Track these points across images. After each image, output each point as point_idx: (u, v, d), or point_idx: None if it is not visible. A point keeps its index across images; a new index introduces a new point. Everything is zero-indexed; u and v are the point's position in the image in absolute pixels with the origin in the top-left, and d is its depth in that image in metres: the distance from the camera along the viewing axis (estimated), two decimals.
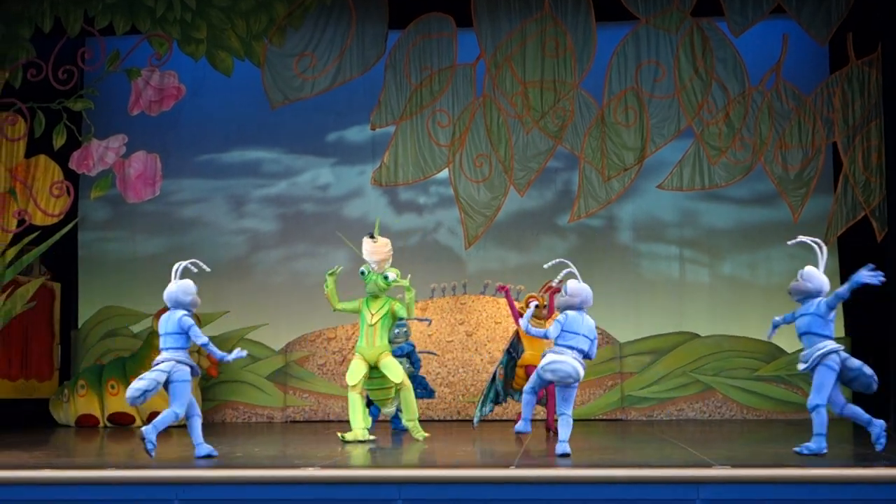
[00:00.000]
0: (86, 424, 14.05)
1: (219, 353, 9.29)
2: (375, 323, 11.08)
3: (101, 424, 14.01)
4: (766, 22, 14.15)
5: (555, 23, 14.40)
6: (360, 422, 10.83)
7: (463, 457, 9.39)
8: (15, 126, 13.88)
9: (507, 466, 7.78)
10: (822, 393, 8.72)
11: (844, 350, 8.94)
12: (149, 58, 14.16)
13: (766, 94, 14.25)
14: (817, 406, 8.69)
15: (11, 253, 13.65)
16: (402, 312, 11.16)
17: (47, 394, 14.60)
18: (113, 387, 14.10)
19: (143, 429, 8.98)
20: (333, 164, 15.56)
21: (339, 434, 10.91)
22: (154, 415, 13.87)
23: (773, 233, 14.53)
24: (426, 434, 11.06)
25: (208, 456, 9.09)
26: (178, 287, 9.34)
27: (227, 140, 15.51)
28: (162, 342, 9.27)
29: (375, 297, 11.18)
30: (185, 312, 9.28)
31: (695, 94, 14.34)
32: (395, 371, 10.98)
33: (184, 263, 9.52)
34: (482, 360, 14.79)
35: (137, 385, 8.96)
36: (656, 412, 14.64)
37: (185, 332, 9.19)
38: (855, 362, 8.88)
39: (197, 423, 9.22)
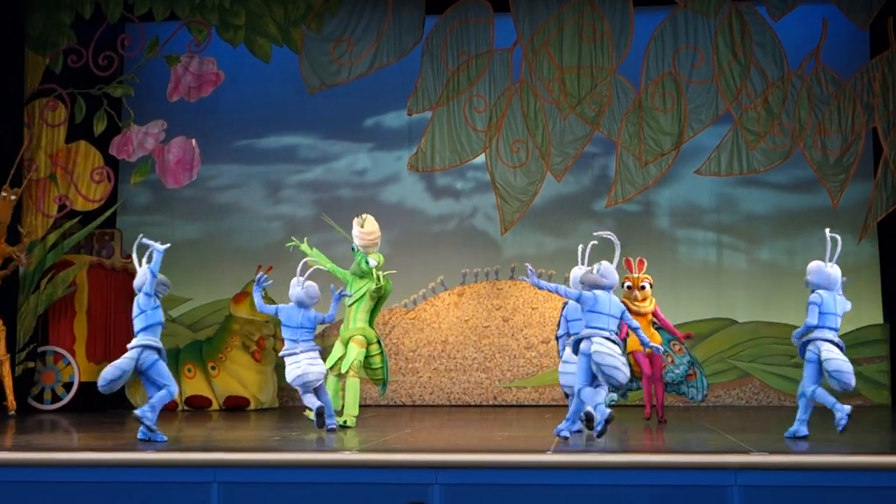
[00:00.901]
0: (169, 408, 13.81)
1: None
2: (352, 304, 11.07)
3: (179, 408, 13.96)
4: (806, 6, 14.06)
5: (592, 8, 14.35)
6: (351, 408, 10.81)
7: (499, 442, 9.41)
8: (55, 112, 13.99)
9: (543, 452, 7.79)
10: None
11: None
12: (188, 44, 14.25)
13: (805, 79, 14.16)
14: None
15: (52, 237, 13.76)
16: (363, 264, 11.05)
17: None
18: (189, 370, 14.17)
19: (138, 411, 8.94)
20: (370, 150, 15.57)
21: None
22: (231, 399, 14.00)
23: (812, 219, 14.44)
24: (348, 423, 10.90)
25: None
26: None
27: (264, 126, 15.56)
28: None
29: (358, 277, 11.12)
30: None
31: (733, 78, 14.27)
32: (349, 357, 10.89)
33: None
34: (518, 345, 14.80)
35: (107, 375, 8.88)
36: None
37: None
38: None
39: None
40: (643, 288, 11.27)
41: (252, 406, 14.03)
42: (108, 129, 14.23)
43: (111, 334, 14.16)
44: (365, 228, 11.15)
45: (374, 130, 15.49)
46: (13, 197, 13.20)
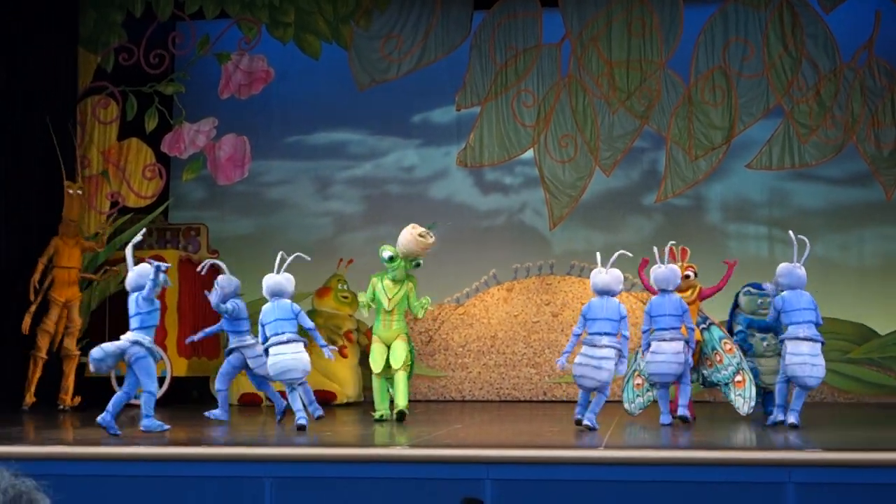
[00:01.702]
0: (249, 403, 13.68)
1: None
2: (393, 308, 11.07)
3: (263, 403, 13.70)
4: None
5: (641, 2, 14.30)
6: (404, 399, 10.88)
7: (550, 437, 9.39)
8: (107, 109, 14.11)
9: (596, 447, 7.77)
10: None
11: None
12: (238, 42, 14.35)
13: (858, 72, 14.02)
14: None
15: (105, 234, 13.89)
16: (419, 312, 11.09)
17: (214, 372, 14.57)
18: None
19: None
20: (418, 146, 15.58)
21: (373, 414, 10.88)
22: (318, 393, 13.86)
23: (866, 213, 14.31)
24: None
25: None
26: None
27: (313, 122, 15.61)
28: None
29: (396, 281, 11.10)
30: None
31: (784, 71, 14.16)
32: (397, 355, 10.96)
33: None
34: (568, 340, 14.75)
35: (94, 354, 9.02)
36: (719, 394, 14.49)
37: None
38: None
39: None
40: (687, 277, 11.08)
41: (339, 400, 13.86)
42: (160, 126, 14.34)
43: (199, 329, 14.17)
44: (430, 241, 11.08)
45: (423, 126, 15.49)
46: (79, 192, 13.32)
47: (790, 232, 10.04)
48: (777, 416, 9.56)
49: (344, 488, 7.46)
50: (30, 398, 12.56)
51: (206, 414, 10.47)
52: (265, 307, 9.97)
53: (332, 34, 14.30)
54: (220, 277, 10.65)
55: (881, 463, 7.15)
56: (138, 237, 9.84)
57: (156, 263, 9.27)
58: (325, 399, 13.81)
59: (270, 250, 10.45)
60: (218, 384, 10.64)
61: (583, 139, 14.51)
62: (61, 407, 12.60)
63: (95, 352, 9.03)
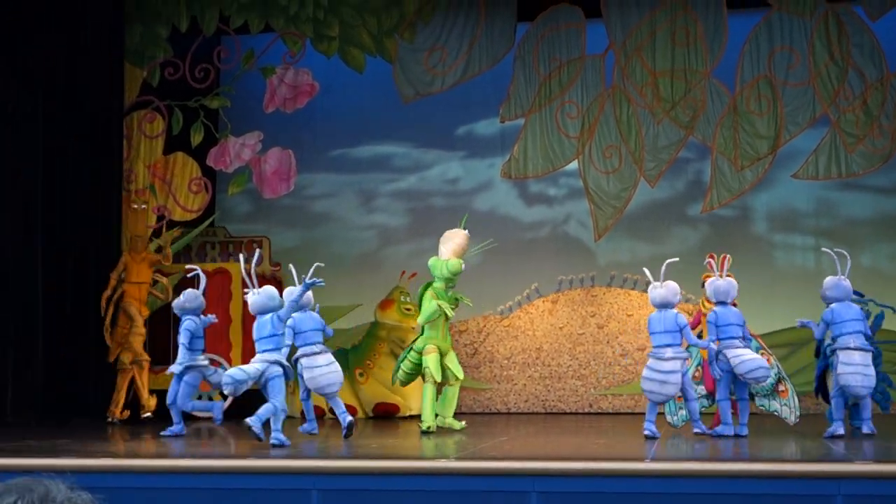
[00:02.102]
0: (316, 415, 13.71)
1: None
2: (451, 317, 11.22)
3: (325, 415, 13.85)
4: None
5: (685, 11, 14.24)
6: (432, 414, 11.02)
7: (596, 449, 9.36)
8: (153, 124, 14.24)
9: (641, 460, 7.74)
10: None
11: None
12: (283, 56, 14.45)
13: None
14: None
15: (151, 248, 13.98)
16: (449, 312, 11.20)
17: None
18: None
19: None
20: (462, 158, 15.58)
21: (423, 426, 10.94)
22: (381, 406, 13.85)
23: None
24: (462, 424, 11.14)
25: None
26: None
27: (357, 135, 15.65)
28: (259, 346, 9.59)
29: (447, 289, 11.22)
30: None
31: (830, 80, 14.06)
32: (457, 366, 11.18)
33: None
34: (613, 352, 14.70)
35: (235, 375, 9.36)
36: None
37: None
38: None
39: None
40: None
41: (402, 413, 13.84)
42: (205, 140, 14.45)
43: None
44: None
45: (467, 138, 15.49)
46: (143, 206, 13.43)
47: (825, 249, 10.38)
48: (837, 429, 9.59)
49: (390, 501, 7.47)
50: (117, 411, 12.75)
51: (162, 433, 10.59)
52: (297, 316, 10.05)
53: (377, 47, 14.36)
54: (187, 290, 10.93)
55: None
56: (255, 258, 10.02)
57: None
58: (388, 411, 13.75)
59: (314, 263, 10.49)
60: (179, 401, 10.80)
61: (627, 150, 14.47)
62: (110, 420, 12.70)
63: (237, 374, 9.35)
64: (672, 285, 9.78)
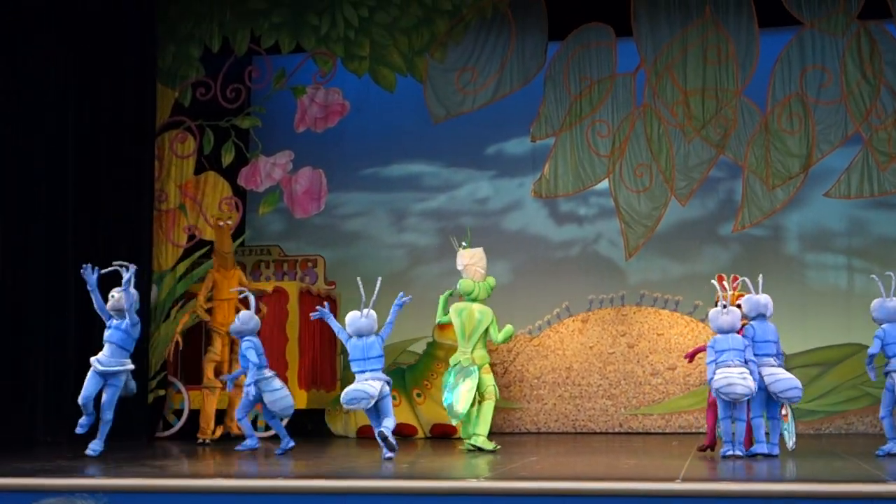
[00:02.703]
0: (367, 435, 13.07)
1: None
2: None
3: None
4: None
5: (717, 29, 14.22)
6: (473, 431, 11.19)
7: (627, 470, 9.31)
8: (185, 144, 14.31)
9: (672, 480, 7.69)
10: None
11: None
12: (313, 75, 14.51)
13: None
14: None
15: (182, 267, 14.05)
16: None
17: (330, 405, 14.46)
18: (395, 398, 13.80)
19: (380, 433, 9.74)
20: (492, 177, 15.60)
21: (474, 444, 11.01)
22: (438, 427, 13.86)
23: None
24: (495, 445, 11.11)
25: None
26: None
27: (388, 154, 15.70)
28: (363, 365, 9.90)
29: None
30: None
31: (863, 99, 13.99)
32: (490, 385, 11.31)
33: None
34: (644, 371, 14.65)
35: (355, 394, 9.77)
36: (824, 425, 14.29)
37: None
38: None
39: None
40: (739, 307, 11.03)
41: (460, 434, 13.75)
42: (236, 160, 14.51)
43: (317, 361, 14.23)
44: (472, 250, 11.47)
45: (497, 157, 15.52)
46: (228, 223, 13.51)
47: (873, 276, 10.44)
48: (892, 447, 9.71)
49: None
50: (209, 430, 12.83)
51: (238, 447, 10.96)
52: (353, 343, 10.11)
53: (408, 67, 14.41)
54: (242, 313, 10.99)
55: None
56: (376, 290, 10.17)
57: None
58: (446, 432, 13.64)
59: (348, 282, 10.58)
60: (238, 414, 11.08)
61: (658, 169, 14.44)
62: (201, 441, 12.75)
63: (357, 392, 9.74)
64: (736, 313, 9.86)
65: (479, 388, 11.18)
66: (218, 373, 13.16)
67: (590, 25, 14.58)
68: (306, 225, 15.43)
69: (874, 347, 10.02)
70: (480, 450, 10.90)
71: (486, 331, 11.31)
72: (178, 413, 13.69)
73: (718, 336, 9.75)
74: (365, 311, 10.04)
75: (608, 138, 14.55)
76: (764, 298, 10.07)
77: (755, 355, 9.76)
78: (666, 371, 14.59)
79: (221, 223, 13.49)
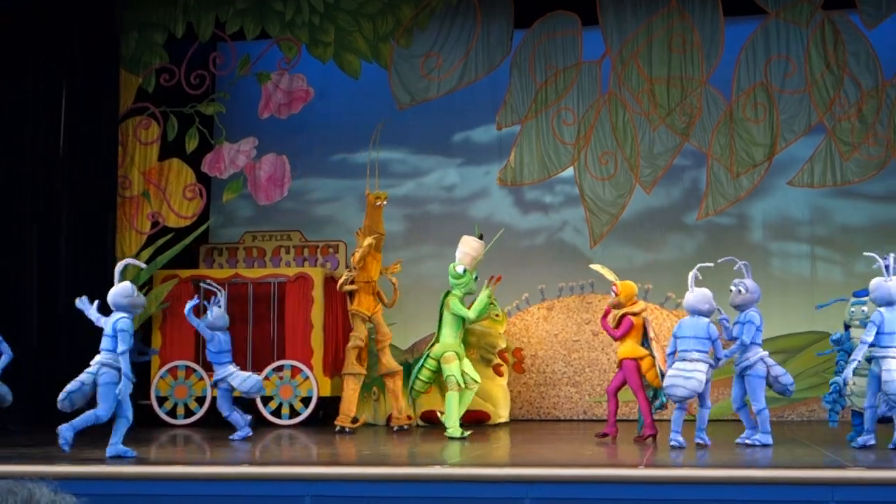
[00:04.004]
0: (431, 420, 13.13)
1: (126, 369, 9.30)
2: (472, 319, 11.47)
3: (414, 422, 13.29)
4: None
5: (682, 18, 14.25)
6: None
7: (590, 456, 9.34)
8: (148, 130, 14.23)
9: (635, 466, 7.73)
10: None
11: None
12: (278, 62, 14.44)
13: None
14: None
15: (146, 255, 13.97)
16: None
17: None
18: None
19: (61, 427, 9.16)
20: (459, 165, 15.57)
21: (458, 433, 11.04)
22: (471, 413, 13.26)
23: None
24: (463, 432, 11.13)
25: (118, 456, 9.08)
26: (116, 290, 9.48)
27: (354, 141, 15.62)
28: (101, 343, 9.37)
29: (468, 295, 11.44)
30: (126, 315, 9.38)
31: (826, 88, 14.06)
32: (474, 372, 11.45)
33: (124, 262, 9.84)
34: (608, 359, 14.68)
35: (66, 388, 9.19)
36: (787, 413, 14.37)
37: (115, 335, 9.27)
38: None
39: (123, 424, 9.25)
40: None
41: (492, 421, 13.56)
42: (200, 146, 14.44)
43: (340, 348, 13.97)
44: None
45: (464, 145, 15.49)
46: (385, 202, 13.18)
47: (870, 254, 10.23)
48: (868, 439, 9.37)
49: None
50: (349, 418, 12.37)
51: (231, 437, 10.93)
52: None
53: (372, 53, 14.36)
54: (216, 310, 11.24)
55: None
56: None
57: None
58: (479, 419, 13.49)
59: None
60: (224, 411, 11.18)
61: (623, 156, 14.47)
62: (339, 428, 12.32)
63: (67, 386, 9.19)
64: (702, 293, 9.73)
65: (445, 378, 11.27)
66: (361, 360, 12.83)
67: (555, 13, 14.58)
68: (279, 208, 15.31)
69: (868, 333, 9.45)
70: (464, 438, 10.91)
71: (452, 319, 11.31)
72: (201, 400, 13.43)
73: (685, 319, 9.68)
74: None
75: (573, 126, 14.57)
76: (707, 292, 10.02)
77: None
78: None
79: (379, 202, 13.12)
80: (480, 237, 11.72)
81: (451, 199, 15.51)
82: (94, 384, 9.20)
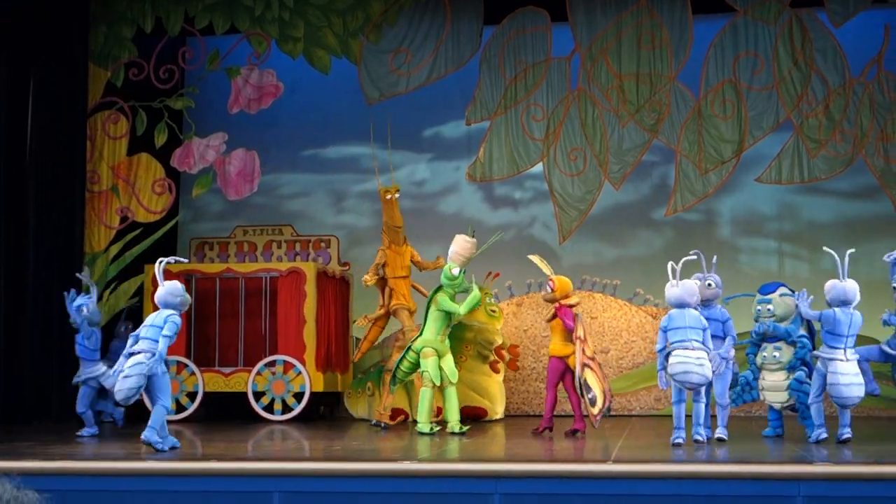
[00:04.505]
0: (394, 418, 12.96)
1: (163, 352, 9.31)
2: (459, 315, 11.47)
3: (410, 419, 13.19)
4: (868, 12, 13.91)
5: (651, 15, 14.31)
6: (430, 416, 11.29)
7: (560, 452, 9.37)
8: (117, 124, 14.17)
9: (604, 461, 7.75)
10: None
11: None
12: (248, 56, 14.43)
13: (867, 86, 14.01)
14: None
15: (115, 249, 13.91)
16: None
17: (345, 387, 14.31)
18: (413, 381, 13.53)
19: (144, 435, 9.04)
20: (429, 160, 15.57)
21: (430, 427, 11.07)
22: (468, 409, 13.11)
23: (875, 226, 14.25)
24: (432, 428, 11.15)
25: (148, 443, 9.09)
26: (167, 289, 9.43)
27: (323, 136, 15.61)
28: (144, 333, 9.31)
29: (460, 293, 11.47)
30: (176, 313, 9.36)
31: (794, 85, 14.15)
32: (454, 370, 11.38)
33: (165, 260, 9.68)
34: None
35: (130, 385, 9.01)
36: (755, 408, 14.43)
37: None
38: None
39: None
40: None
41: (489, 416, 13.53)
42: (169, 141, 14.40)
43: (332, 343, 13.97)
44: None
45: (434, 140, 15.49)
46: (396, 196, 13.13)
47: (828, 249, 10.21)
48: (821, 433, 9.40)
49: (352, 503, 7.45)
50: (387, 415, 12.23)
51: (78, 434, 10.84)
52: None
53: (342, 48, 14.36)
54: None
55: (890, 477, 7.13)
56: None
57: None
58: (476, 415, 13.44)
59: None
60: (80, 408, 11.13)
61: (592, 153, 14.51)
62: (380, 424, 12.17)
63: (130, 382, 9.09)
64: (688, 285, 9.61)
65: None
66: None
67: (525, 10, 14.61)
68: (249, 203, 15.26)
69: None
70: (431, 434, 10.92)
71: (438, 315, 11.33)
72: (192, 396, 13.29)
73: (673, 311, 9.48)
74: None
75: (543, 122, 14.60)
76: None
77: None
78: (599, 354, 14.66)
79: (389, 196, 13.10)
80: (473, 236, 11.69)
81: (422, 195, 15.51)
82: (144, 377, 9.09)
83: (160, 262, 9.55)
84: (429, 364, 11.16)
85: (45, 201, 13.18)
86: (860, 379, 9.35)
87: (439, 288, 11.46)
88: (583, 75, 14.51)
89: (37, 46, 13.24)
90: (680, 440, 9.29)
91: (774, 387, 9.98)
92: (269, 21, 14.17)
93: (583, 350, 10.68)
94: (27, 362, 12.74)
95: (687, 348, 9.20)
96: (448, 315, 11.34)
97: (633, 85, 14.33)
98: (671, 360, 9.20)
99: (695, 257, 10.08)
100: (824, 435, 9.39)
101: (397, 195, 13.17)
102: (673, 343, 9.25)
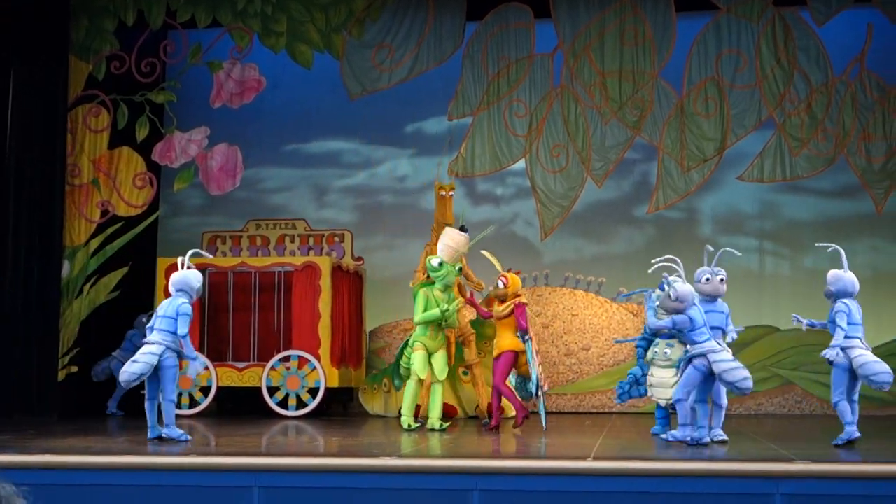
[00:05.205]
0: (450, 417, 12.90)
1: (190, 351, 9.43)
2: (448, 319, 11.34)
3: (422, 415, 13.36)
4: (850, 11, 13.95)
5: (634, 12, 14.32)
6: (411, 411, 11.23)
7: (538, 448, 9.38)
8: (98, 118, 14.11)
9: (583, 458, 7.76)
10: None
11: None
12: (230, 51, 14.38)
13: (849, 85, 14.05)
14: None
15: (95, 243, 13.86)
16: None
17: (358, 383, 14.28)
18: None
19: (165, 432, 9.21)
20: (411, 156, 15.56)
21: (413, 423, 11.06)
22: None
23: (857, 225, 14.30)
24: (410, 424, 11.11)
25: (159, 438, 9.26)
26: (189, 275, 9.49)
27: (306, 131, 15.58)
28: (157, 324, 9.37)
29: (447, 288, 11.36)
30: (187, 300, 9.40)
31: (776, 84, 14.18)
32: (442, 367, 11.32)
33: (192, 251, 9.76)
34: (558, 352, 14.74)
35: (132, 369, 9.11)
36: (734, 406, 14.46)
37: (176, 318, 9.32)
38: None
39: (161, 406, 9.34)
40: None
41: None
42: (151, 135, 14.35)
43: (346, 338, 13.90)
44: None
45: (416, 136, 15.48)
46: (451, 193, 13.06)
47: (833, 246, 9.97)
48: (853, 433, 9.07)
49: (332, 498, 7.44)
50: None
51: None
52: None
53: (324, 43, 14.32)
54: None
55: (868, 475, 7.14)
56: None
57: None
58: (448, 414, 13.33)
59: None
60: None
61: (574, 149, 14.52)
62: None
63: (136, 367, 9.10)
64: (688, 287, 9.61)
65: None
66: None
67: (508, 5, 14.62)
68: (231, 198, 15.23)
69: (840, 320, 9.37)
70: (410, 429, 10.90)
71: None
72: (206, 390, 13.23)
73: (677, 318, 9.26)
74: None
75: (525, 118, 14.60)
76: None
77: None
78: (580, 351, 14.69)
79: (444, 193, 13.02)
80: (462, 228, 11.67)
81: (404, 190, 15.49)
82: (153, 366, 9.19)
83: (189, 254, 9.59)
84: (416, 358, 11.17)
85: (25, 194, 13.13)
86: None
87: (422, 284, 11.47)
88: (566, 72, 14.51)
89: (18, 38, 13.18)
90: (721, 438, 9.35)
91: (662, 384, 9.91)
92: (252, 15, 14.13)
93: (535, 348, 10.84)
94: (8, 355, 12.69)
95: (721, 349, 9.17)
96: (440, 313, 11.27)
97: (615, 82, 14.35)
98: (722, 361, 9.14)
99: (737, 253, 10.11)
100: (857, 434, 9.03)
101: (452, 192, 13.11)
102: (706, 340, 9.21)
